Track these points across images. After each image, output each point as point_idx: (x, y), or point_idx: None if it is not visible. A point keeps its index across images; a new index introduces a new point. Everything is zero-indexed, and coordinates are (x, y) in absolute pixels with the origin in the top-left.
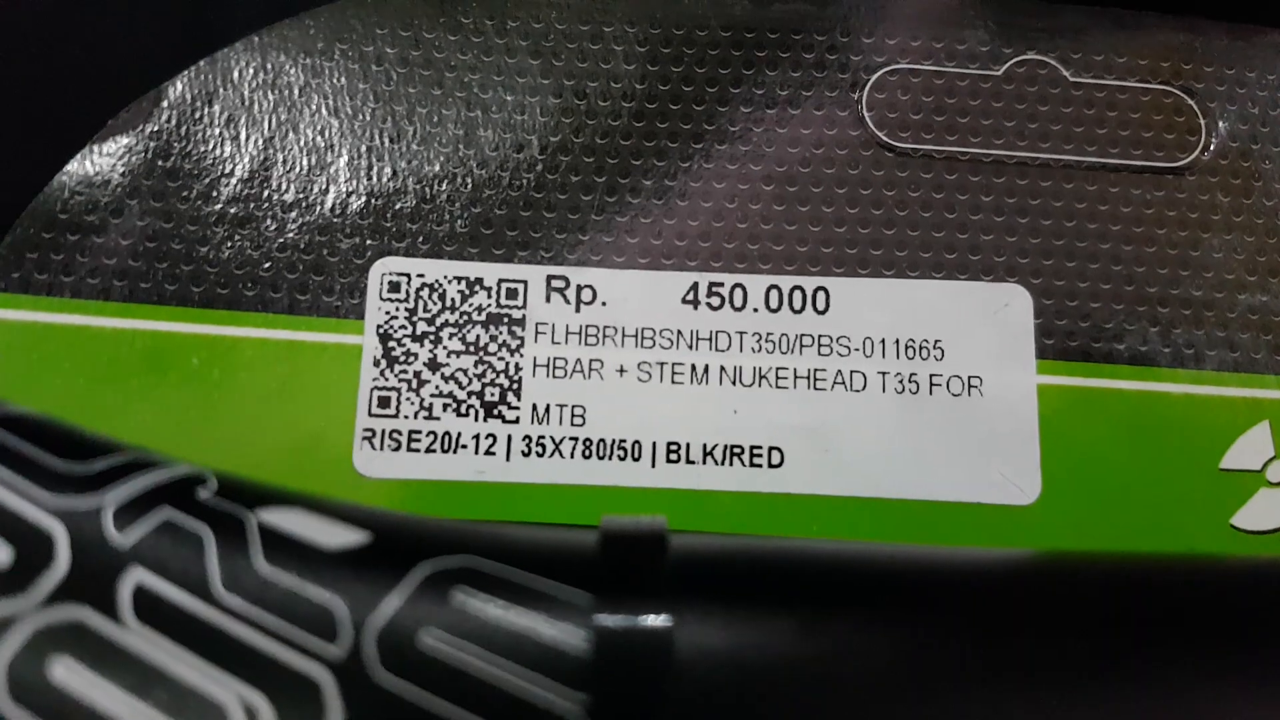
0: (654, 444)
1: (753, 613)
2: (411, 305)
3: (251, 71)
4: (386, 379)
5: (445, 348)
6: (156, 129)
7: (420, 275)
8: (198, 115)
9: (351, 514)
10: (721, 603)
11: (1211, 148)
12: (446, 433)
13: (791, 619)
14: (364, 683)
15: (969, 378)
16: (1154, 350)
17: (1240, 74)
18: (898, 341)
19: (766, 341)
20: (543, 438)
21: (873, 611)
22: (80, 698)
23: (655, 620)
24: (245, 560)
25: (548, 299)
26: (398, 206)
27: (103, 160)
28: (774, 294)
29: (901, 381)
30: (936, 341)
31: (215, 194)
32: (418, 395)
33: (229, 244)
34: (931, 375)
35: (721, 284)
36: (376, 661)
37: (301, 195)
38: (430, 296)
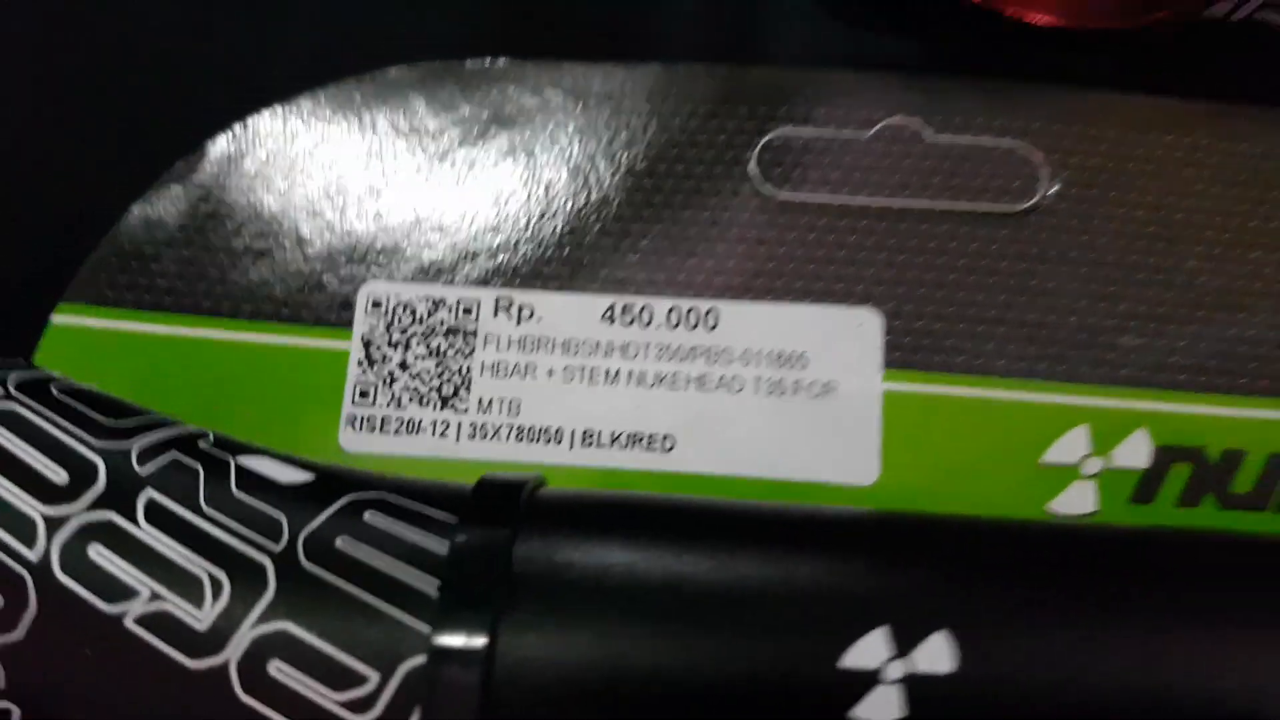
0: (573, 431)
1: (588, 533)
2: (389, 319)
3: (275, 133)
4: (367, 376)
5: (413, 353)
6: (200, 180)
7: (397, 295)
8: (231, 168)
9: (304, 463)
10: (562, 525)
11: (1050, 193)
12: (411, 419)
13: (618, 535)
14: (295, 567)
15: (826, 382)
16: (988, 364)
17: (1082, 131)
18: (770, 353)
19: (666, 352)
20: (485, 425)
21: (694, 539)
22: (107, 569)
23: (500, 532)
24: (225, 488)
25: (495, 315)
26: (380, 244)
27: (159, 204)
28: (674, 314)
29: (772, 385)
30: (802, 353)
31: (243, 232)
32: (390, 389)
33: (251, 270)
34: (796, 380)
35: (633, 305)
36: (303, 555)
37: (309, 233)
38: (403, 312)
